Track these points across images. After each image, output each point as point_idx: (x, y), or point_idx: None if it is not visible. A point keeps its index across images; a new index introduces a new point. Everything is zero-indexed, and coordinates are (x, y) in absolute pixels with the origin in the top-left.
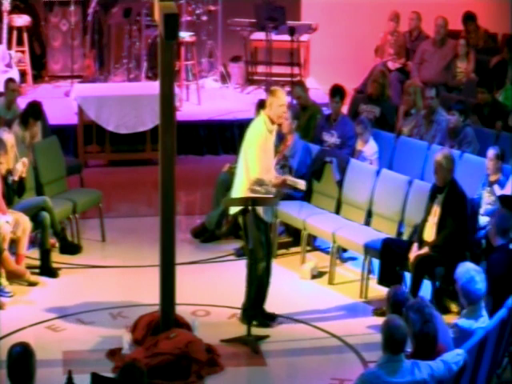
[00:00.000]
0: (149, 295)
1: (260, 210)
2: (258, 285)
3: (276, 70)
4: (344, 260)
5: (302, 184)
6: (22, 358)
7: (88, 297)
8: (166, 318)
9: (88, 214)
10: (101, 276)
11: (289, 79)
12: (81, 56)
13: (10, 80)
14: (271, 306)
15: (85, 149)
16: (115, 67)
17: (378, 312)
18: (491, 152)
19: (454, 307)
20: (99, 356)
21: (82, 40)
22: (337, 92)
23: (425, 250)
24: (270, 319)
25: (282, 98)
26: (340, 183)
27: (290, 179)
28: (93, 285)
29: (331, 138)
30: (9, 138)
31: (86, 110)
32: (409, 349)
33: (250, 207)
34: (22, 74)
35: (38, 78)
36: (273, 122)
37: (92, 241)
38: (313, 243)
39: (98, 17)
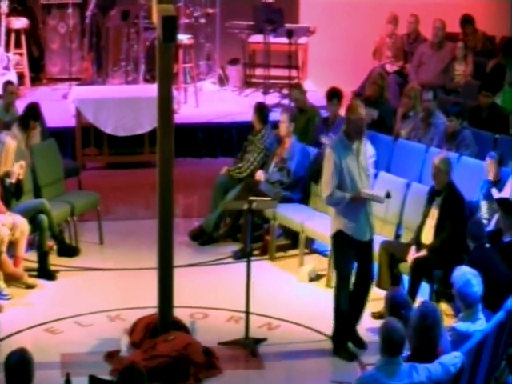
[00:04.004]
0: (147, 298)
1: (351, 229)
2: (335, 314)
3: (274, 72)
4: None
5: (380, 198)
6: (21, 366)
7: (86, 299)
8: (164, 320)
9: (86, 217)
10: (99, 278)
11: (287, 82)
12: (79, 58)
13: (8, 82)
14: (269, 308)
15: (83, 151)
16: (113, 70)
17: (375, 315)
18: (490, 161)
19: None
20: (97, 358)
21: (79, 43)
22: (334, 95)
23: (423, 252)
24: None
25: (360, 114)
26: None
27: (366, 192)
28: (91, 287)
29: (329, 141)
30: (12, 143)
31: (83, 113)
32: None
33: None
34: (20, 76)
35: (36, 80)
36: (351, 139)
37: (90, 243)
38: (311, 246)
39: (96, 19)
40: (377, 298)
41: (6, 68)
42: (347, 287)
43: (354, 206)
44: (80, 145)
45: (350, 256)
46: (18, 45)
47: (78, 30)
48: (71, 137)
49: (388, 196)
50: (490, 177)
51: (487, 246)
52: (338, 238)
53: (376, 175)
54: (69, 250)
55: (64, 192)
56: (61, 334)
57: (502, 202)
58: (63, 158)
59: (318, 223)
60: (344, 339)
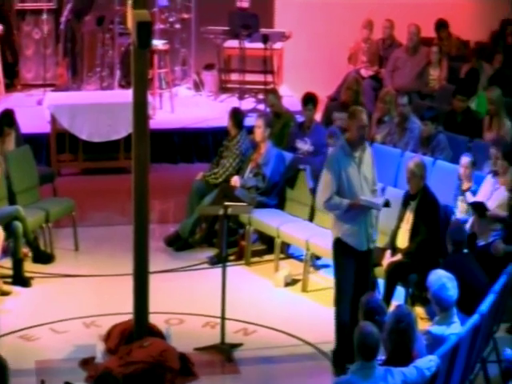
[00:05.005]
0: (122, 304)
1: (348, 237)
2: (337, 328)
3: (249, 77)
4: (317, 267)
5: (377, 205)
6: None
7: (61, 306)
8: (139, 326)
9: (61, 223)
10: (74, 285)
11: (262, 87)
12: (53, 64)
13: None
14: (245, 313)
15: (57, 157)
16: (88, 75)
17: None
18: (465, 159)
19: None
20: (72, 365)
21: (54, 48)
22: (309, 100)
23: (398, 256)
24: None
25: (362, 120)
26: (313, 191)
27: (364, 199)
28: (66, 294)
29: (304, 146)
30: None
31: (58, 119)
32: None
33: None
34: None
35: (11, 86)
36: (353, 146)
37: (65, 250)
38: (286, 251)
39: (71, 25)
40: None
41: None
42: (347, 299)
43: (354, 214)
44: (55, 151)
45: (349, 266)
46: None
47: (52, 36)
48: (46, 143)
49: (386, 205)
50: (464, 186)
51: (465, 251)
52: (337, 246)
53: None
54: (44, 257)
55: (39, 198)
56: (36, 341)
57: (476, 206)
58: (38, 164)
59: (294, 228)
60: (344, 356)
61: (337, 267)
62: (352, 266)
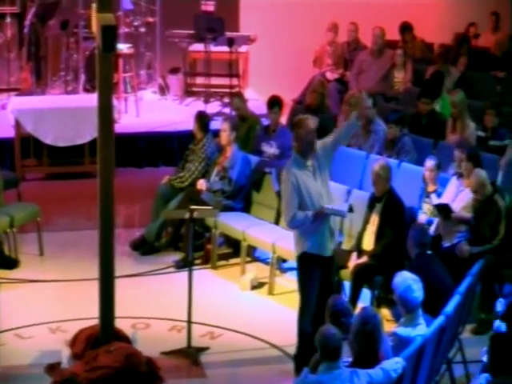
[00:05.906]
0: (88, 309)
1: (314, 247)
2: (299, 337)
3: (215, 81)
4: (284, 270)
5: (343, 212)
6: None
7: (26, 311)
8: (105, 331)
9: (26, 228)
10: (39, 290)
11: (227, 90)
12: (17, 69)
13: None
14: (211, 317)
15: (22, 162)
16: (52, 80)
17: None
18: (430, 163)
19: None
20: (38, 371)
21: (18, 52)
22: (274, 103)
23: (364, 259)
24: None
25: (308, 126)
26: (279, 194)
27: (328, 208)
28: (31, 299)
29: (270, 149)
30: None
31: (23, 123)
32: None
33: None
34: None
35: None
36: (304, 156)
37: (30, 255)
38: (252, 254)
39: (35, 29)
40: None
41: None
42: (311, 311)
43: (318, 223)
44: (19, 156)
45: (315, 279)
46: None
47: (16, 40)
48: (10, 148)
49: (351, 210)
50: (430, 188)
51: (429, 252)
52: (302, 260)
53: None
54: (8, 262)
55: (3, 204)
56: (1, 347)
57: (441, 208)
58: (2, 169)
59: (260, 231)
60: (306, 361)
61: (303, 280)
62: (318, 276)
